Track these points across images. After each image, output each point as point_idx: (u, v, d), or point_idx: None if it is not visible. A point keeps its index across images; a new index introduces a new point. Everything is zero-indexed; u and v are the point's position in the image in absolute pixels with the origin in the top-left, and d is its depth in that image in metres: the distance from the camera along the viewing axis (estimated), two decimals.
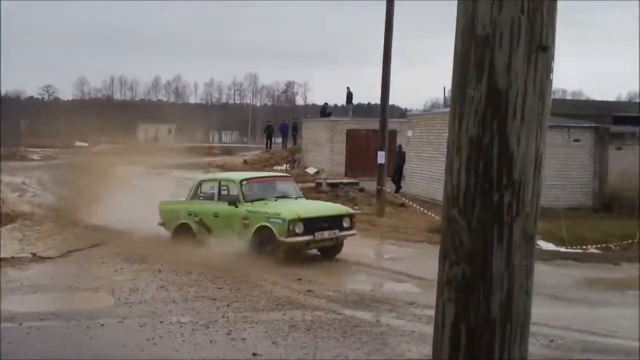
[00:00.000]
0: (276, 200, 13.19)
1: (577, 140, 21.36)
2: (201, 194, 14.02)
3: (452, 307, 1.76)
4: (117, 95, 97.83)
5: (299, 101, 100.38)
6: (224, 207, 13.12)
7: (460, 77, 1.79)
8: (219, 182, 13.84)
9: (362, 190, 23.80)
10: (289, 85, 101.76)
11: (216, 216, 13.26)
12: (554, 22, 1.76)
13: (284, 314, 8.81)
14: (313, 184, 24.73)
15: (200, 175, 15.87)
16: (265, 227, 12.30)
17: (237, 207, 12.88)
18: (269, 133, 41.17)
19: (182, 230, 13.80)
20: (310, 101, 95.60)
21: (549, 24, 1.74)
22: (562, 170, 20.99)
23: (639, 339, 7.46)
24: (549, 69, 1.76)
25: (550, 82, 1.78)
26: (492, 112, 1.73)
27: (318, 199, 17.69)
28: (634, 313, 11.39)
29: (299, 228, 12.20)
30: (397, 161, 24.75)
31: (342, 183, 24.89)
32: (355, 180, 25.39)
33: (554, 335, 8.47)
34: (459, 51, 1.80)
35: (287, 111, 72.69)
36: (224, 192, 13.53)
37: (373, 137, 23.89)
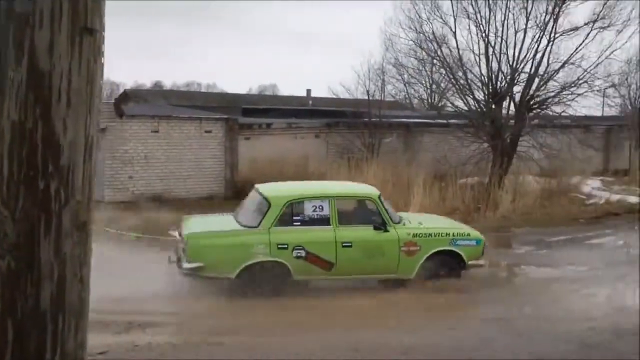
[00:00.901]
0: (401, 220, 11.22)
1: (209, 132, 22.33)
2: (297, 218, 10.34)
3: None
4: None
5: None
6: (362, 233, 10.36)
7: (0, 58, 1.68)
8: (332, 200, 10.41)
9: None
10: None
11: (348, 247, 10.26)
12: (100, 7, 1.75)
13: None
14: None
15: (272, 192, 10.85)
16: (446, 252, 10.73)
17: (387, 231, 10.45)
18: None
19: (259, 273, 9.88)
20: None
21: (94, 7, 1.72)
22: (196, 161, 21.81)
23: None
24: (97, 53, 1.75)
25: (101, 65, 1.76)
26: (35, 95, 1.66)
27: None
28: None
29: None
30: None
31: None
32: None
33: None
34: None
35: None
36: (344, 213, 10.60)
37: None
